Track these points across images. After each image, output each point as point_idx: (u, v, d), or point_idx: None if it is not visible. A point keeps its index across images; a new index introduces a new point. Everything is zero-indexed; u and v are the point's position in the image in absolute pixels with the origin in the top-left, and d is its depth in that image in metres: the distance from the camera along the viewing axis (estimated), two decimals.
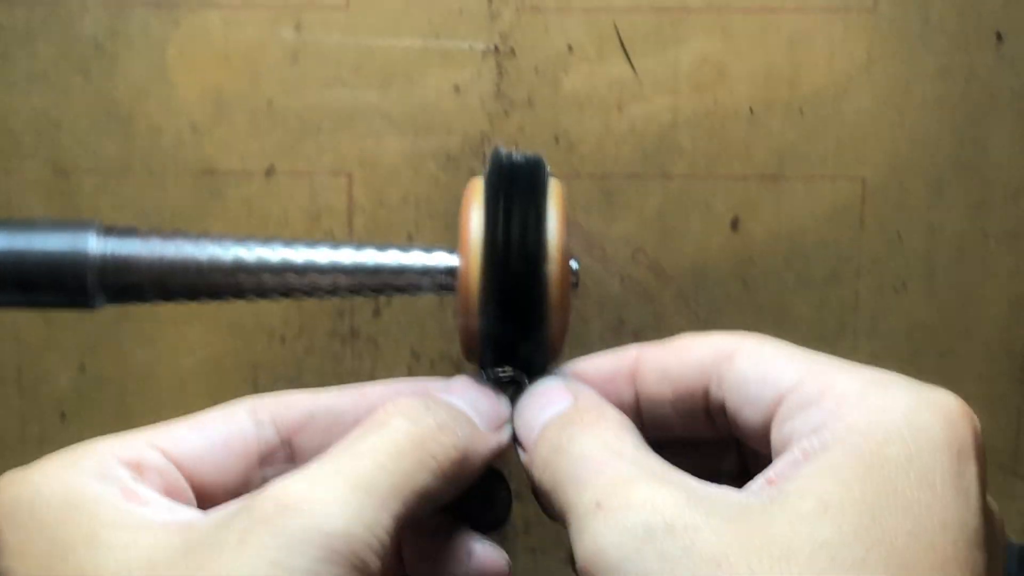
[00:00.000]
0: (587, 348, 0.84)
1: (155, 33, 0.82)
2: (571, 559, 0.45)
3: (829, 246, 0.84)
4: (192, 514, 0.46)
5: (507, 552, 0.54)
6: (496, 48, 0.82)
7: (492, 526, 0.55)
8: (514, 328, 0.54)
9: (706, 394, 0.51)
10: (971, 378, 0.86)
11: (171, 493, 0.48)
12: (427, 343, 0.86)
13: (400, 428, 0.47)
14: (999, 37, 0.82)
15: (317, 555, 0.41)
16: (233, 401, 0.53)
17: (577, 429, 0.49)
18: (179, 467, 0.49)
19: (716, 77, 0.82)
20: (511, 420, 0.54)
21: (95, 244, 0.56)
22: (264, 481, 0.50)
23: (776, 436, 0.47)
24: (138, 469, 0.47)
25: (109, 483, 0.46)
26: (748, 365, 0.50)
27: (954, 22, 0.82)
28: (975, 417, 0.45)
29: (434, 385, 0.54)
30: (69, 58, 0.82)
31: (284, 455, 0.52)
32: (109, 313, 0.83)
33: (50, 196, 0.83)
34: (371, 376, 0.86)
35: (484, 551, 0.53)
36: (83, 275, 0.55)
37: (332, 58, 0.82)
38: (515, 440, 0.54)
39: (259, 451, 0.51)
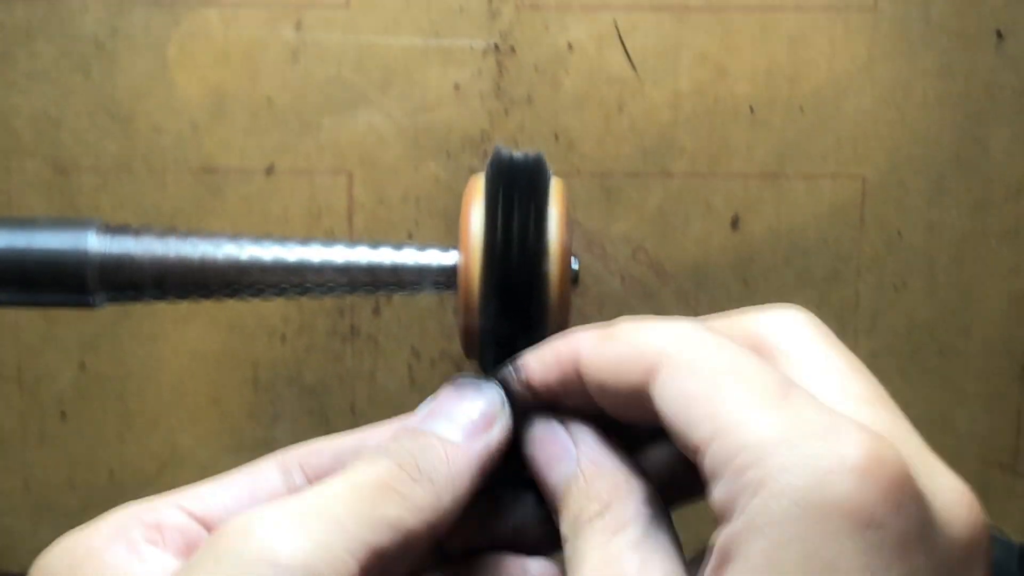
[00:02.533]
0: None
1: (155, 32, 0.82)
2: None
3: (829, 244, 0.84)
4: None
5: None
6: (496, 46, 0.82)
7: (538, 545, 0.54)
8: (515, 326, 0.54)
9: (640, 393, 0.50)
10: (971, 376, 0.86)
11: (192, 550, 0.48)
12: (427, 341, 0.86)
13: (361, 468, 0.47)
14: (999, 35, 0.82)
15: None
16: (262, 457, 0.53)
17: (581, 526, 0.48)
18: (205, 524, 0.50)
19: (716, 75, 0.82)
20: (505, 410, 0.53)
21: (95, 242, 0.56)
22: None
23: (711, 486, 0.45)
24: (158, 529, 0.48)
25: (118, 541, 0.47)
26: (669, 396, 0.47)
27: (954, 21, 0.82)
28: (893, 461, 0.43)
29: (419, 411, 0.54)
30: (69, 57, 0.82)
31: None
32: (109, 312, 0.84)
33: (50, 194, 0.83)
34: (371, 375, 0.86)
35: (540, 569, 0.53)
36: (83, 273, 0.55)
37: (332, 56, 0.82)
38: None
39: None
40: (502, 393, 0.53)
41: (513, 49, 0.82)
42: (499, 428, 0.52)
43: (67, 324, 0.86)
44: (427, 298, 0.85)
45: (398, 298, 0.85)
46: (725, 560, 0.41)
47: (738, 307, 0.84)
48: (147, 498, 0.50)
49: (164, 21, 0.82)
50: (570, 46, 0.82)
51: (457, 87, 0.82)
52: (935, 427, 0.87)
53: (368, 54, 0.82)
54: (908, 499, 0.41)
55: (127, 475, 0.88)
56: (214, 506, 0.50)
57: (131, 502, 0.50)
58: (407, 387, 0.86)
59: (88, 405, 0.87)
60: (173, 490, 0.51)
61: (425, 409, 0.52)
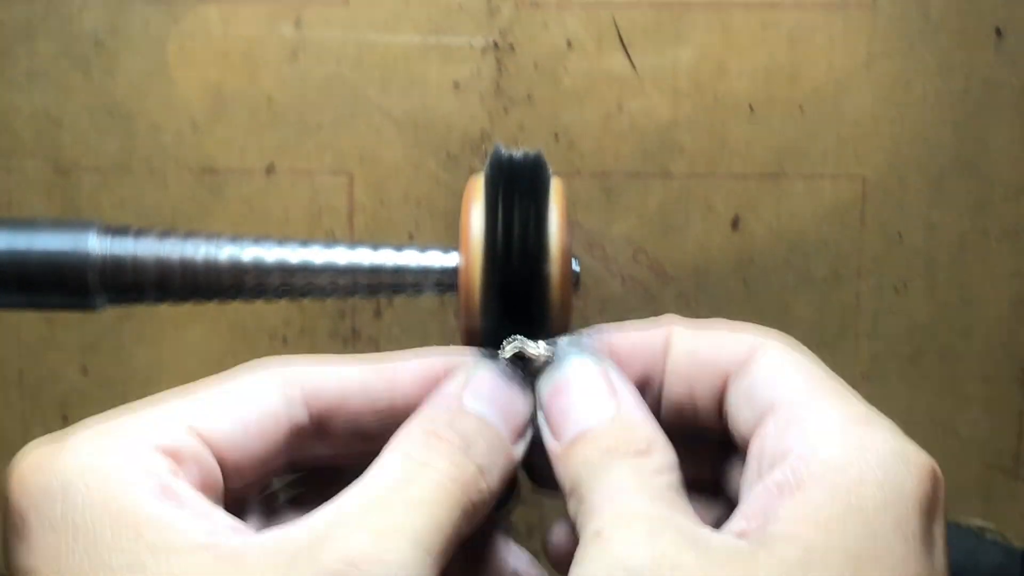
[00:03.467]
0: None
1: (155, 30, 0.82)
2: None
3: (830, 245, 0.84)
4: (238, 538, 0.45)
5: None
6: (495, 44, 0.82)
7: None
8: (516, 328, 0.54)
9: (724, 387, 0.51)
10: (972, 379, 0.86)
11: (206, 485, 0.47)
12: (428, 343, 0.85)
13: (445, 473, 0.47)
14: (999, 33, 0.82)
15: None
16: (261, 366, 0.51)
17: (616, 459, 0.48)
18: (213, 450, 0.48)
19: (716, 74, 0.82)
20: (535, 412, 0.53)
21: (96, 244, 0.56)
22: (290, 462, 0.50)
23: (755, 447, 0.47)
24: (176, 458, 0.46)
25: (148, 480, 0.45)
26: (757, 369, 0.50)
27: (954, 19, 0.82)
28: (943, 481, 0.45)
29: (456, 381, 0.53)
30: (69, 56, 0.82)
31: (313, 433, 0.52)
32: (111, 314, 0.83)
33: (51, 194, 0.83)
34: None
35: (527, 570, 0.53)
36: (84, 275, 0.55)
37: (332, 55, 0.82)
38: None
39: (289, 431, 0.51)
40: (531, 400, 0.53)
41: (512, 47, 0.82)
42: (528, 439, 0.52)
43: (69, 327, 0.86)
44: (428, 300, 0.85)
45: (399, 300, 0.84)
46: (787, 491, 0.43)
47: (739, 308, 0.84)
48: (150, 406, 0.48)
49: (163, 20, 0.82)
50: (569, 44, 0.82)
51: (457, 85, 0.82)
52: (937, 430, 0.86)
53: (367, 52, 0.82)
54: (945, 509, 0.45)
55: None
56: (221, 432, 0.47)
57: (130, 407, 0.47)
58: None
59: (90, 408, 0.86)
60: (168, 395, 0.48)
61: (471, 385, 0.51)
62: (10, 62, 0.82)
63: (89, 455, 0.45)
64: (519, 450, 0.51)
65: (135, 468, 0.44)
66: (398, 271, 0.57)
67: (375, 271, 0.57)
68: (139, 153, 0.83)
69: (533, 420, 0.52)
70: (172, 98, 0.82)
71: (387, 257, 0.57)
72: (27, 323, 0.85)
